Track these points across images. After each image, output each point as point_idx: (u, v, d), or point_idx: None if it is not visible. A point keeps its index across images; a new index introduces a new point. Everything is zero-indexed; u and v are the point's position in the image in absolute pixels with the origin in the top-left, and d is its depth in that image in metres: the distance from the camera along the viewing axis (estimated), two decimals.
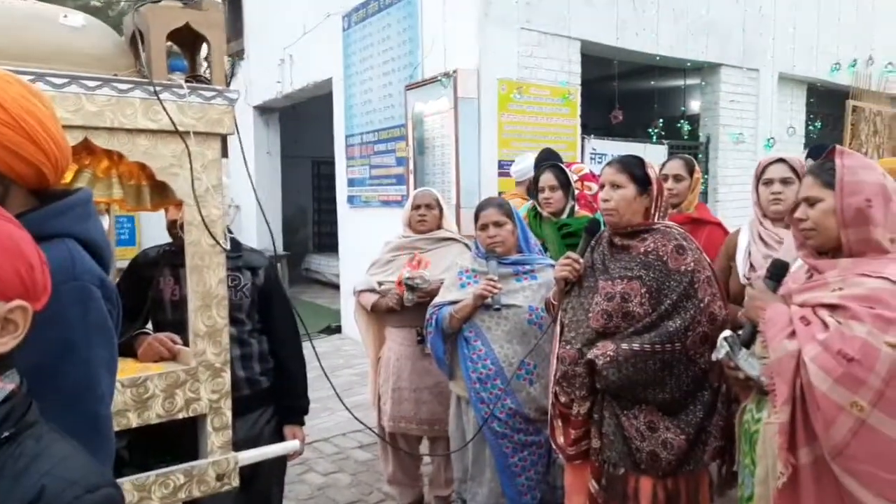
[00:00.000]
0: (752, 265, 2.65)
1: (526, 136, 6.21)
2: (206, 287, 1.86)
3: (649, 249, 2.20)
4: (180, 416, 1.83)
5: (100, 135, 1.69)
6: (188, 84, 1.79)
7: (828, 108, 9.13)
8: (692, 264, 2.17)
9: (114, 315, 1.25)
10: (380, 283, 3.34)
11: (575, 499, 2.40)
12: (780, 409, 1.66)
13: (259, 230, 11.21)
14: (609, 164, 2.34)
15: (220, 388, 1.89)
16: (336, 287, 9.36)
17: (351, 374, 6.43)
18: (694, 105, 8.66)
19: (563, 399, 2.31)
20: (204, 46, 1.93)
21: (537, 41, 6.27)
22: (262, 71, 10.18)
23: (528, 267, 2.88)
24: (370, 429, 2.96)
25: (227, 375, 1.91)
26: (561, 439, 2.36)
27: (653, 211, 2.29)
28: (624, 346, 2.12)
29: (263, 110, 10.95)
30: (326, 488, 4.03)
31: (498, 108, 6.04)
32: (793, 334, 1.68)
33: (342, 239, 8.63)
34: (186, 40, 1.95)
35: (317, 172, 12.56)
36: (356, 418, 2.52)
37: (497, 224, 2.84)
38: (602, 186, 2.30)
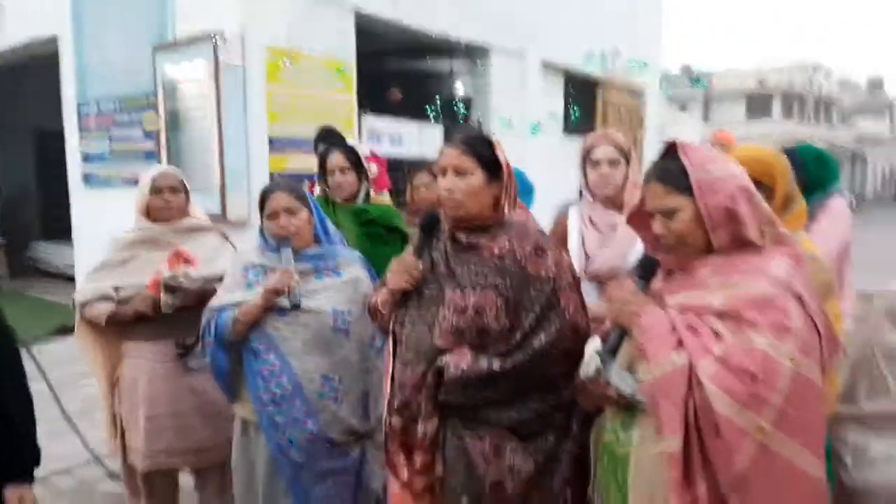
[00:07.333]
0: (586, 253, 2.46)
1: (299, 110, 5.66)
2: None
3: (504, 251, 1.86)
4: None
5: None
6: None
7: (581, 95, 9.64)
8: (554, 268, 1.86)
9: None
10: (116, 289, 2.65)
11: None
12: (667, 436, 1.42)
13: None
14: (449, 144, 1.93)
15: None
16: (70, 279, 8.00)
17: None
18: (467, 87, 8.63)
19: (398, 426, 1.93)
20: None
21: (308, 7, 5.72)
22: None
23: (330, 262, 2.41)
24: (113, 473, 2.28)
25: None
26: (405, 474, 1.94)
27: (503, 201, 1.94)
28: (483, 362, 1.79)
29: None
30: None
31: (266, 78, 5.42)
32: (679, 345, 1.45)
33: (77, 224, 7.45)
34: None
35: (41, 145, 10.58)
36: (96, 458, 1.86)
37: (289, 211, 2.33)
38: (444, 171, 1.90)
